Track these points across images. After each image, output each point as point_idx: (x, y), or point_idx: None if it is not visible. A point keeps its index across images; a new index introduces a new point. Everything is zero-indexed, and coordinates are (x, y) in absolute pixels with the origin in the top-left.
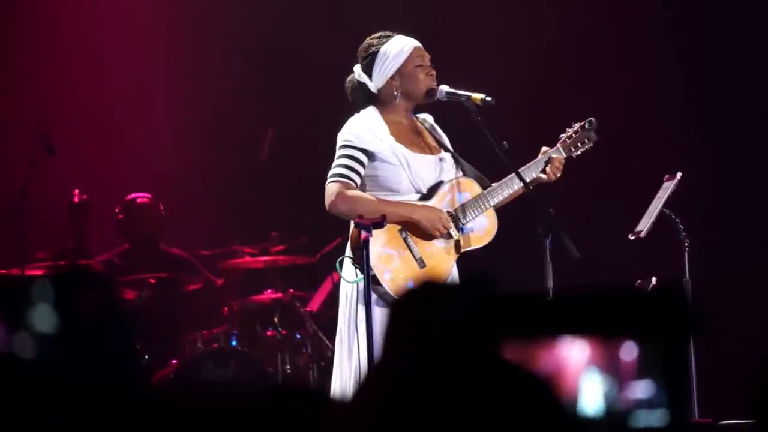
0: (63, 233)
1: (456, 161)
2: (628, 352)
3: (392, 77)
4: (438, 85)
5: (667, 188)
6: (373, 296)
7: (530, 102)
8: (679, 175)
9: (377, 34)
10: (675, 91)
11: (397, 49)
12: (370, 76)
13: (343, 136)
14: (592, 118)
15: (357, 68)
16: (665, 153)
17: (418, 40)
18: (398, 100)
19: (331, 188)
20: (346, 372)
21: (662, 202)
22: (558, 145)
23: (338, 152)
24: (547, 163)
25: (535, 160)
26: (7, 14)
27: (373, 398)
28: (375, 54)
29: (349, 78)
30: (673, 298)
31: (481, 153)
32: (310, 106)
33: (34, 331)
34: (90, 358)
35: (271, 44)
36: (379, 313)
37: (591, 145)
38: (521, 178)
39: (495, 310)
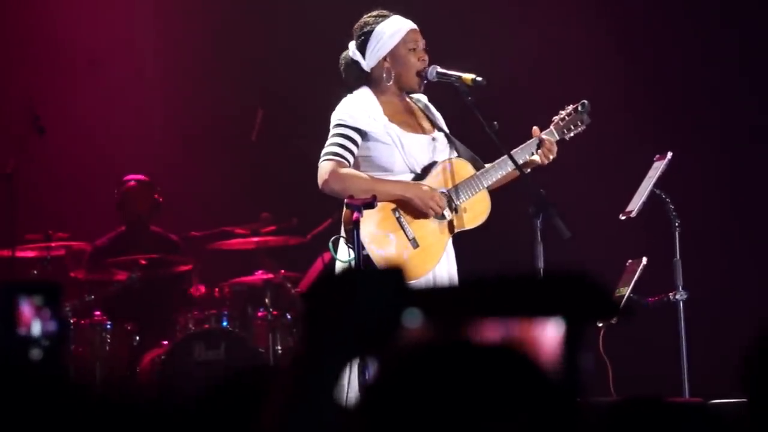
0: (53, 214)
1: (450, 142)
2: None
3: (384, 58)
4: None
5: (658, 168)
6: None
7: (523, 83)
8: (669, 154)
9: (374, 13)
10: (666, 70)
11: (391, 30)
12: (363, 54)
13: (337, 115)
14: (585, 101)
15: (352, 45)
16: (656, 132)
17: (413, 21)
18: (389, 82)
19: (324, 167)
20: None
21: (653, 181)
22: (551, 127)
23: (332, 131)
24: (539, 145)
25: (528, 142)
26: None
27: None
28: (369, 33)
29: (344, 54)
30: (576, 283)
31: (476, 134)
32: (300, 87)
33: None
34: None
35: (261, 25)
36: None
37: (584, 127)
38: (513, 160)
39: (408, 297)
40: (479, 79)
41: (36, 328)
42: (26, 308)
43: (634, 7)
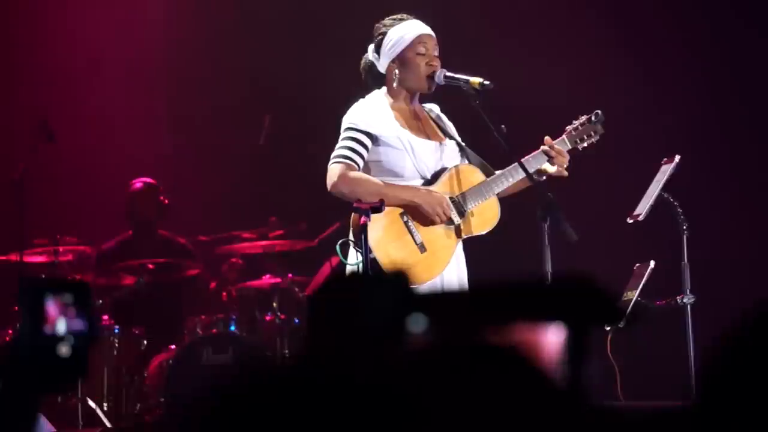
0: (61, 219)
1: (461, 150)
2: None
3: (393, 61)
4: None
5: (666, 171)
6: None
7: (532, 89)
8: (677, 158)
9: (393, 15)
10: (674, 73)
11: (402, 33)
12: (379, 56)
13: (348, 118)
14: (599, 111)
15: (371, 47)
16: (664, 135)
17: (430, 26)
18: (396, 84)
19: (333, 169)
20: None
21: (660, 185)
22: (563, 136)
23: (342, 134)
24: (550, 156)
25: (539, 150)
26: (4, 2)
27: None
28: (384, 35)
29: (365, 56)
30: (578, 287)
31: (488, 143)
32: (308, 92)
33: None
34: None
35: (269, 30)
36: None
37: (597, 137)
38: (523, 167)
39: (413, 300)
40: (487, 82)
41: (61, 327)
42: (52, 307)
43: (643, 10)
